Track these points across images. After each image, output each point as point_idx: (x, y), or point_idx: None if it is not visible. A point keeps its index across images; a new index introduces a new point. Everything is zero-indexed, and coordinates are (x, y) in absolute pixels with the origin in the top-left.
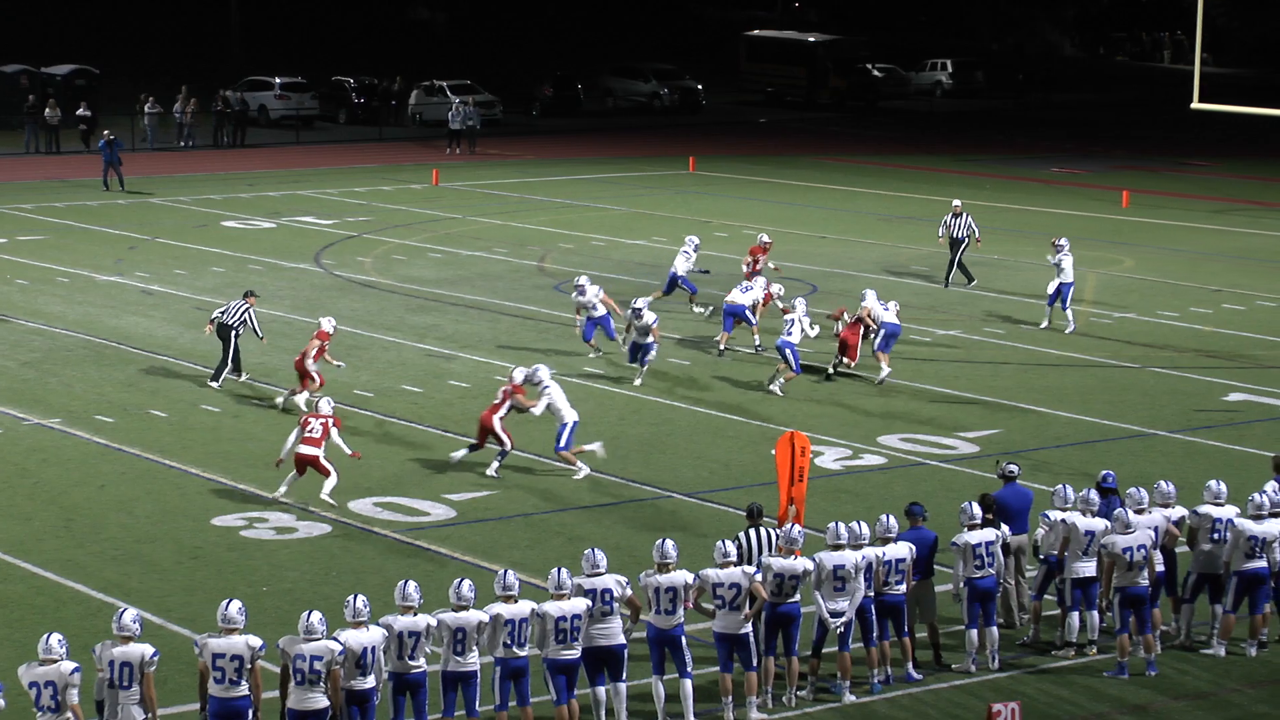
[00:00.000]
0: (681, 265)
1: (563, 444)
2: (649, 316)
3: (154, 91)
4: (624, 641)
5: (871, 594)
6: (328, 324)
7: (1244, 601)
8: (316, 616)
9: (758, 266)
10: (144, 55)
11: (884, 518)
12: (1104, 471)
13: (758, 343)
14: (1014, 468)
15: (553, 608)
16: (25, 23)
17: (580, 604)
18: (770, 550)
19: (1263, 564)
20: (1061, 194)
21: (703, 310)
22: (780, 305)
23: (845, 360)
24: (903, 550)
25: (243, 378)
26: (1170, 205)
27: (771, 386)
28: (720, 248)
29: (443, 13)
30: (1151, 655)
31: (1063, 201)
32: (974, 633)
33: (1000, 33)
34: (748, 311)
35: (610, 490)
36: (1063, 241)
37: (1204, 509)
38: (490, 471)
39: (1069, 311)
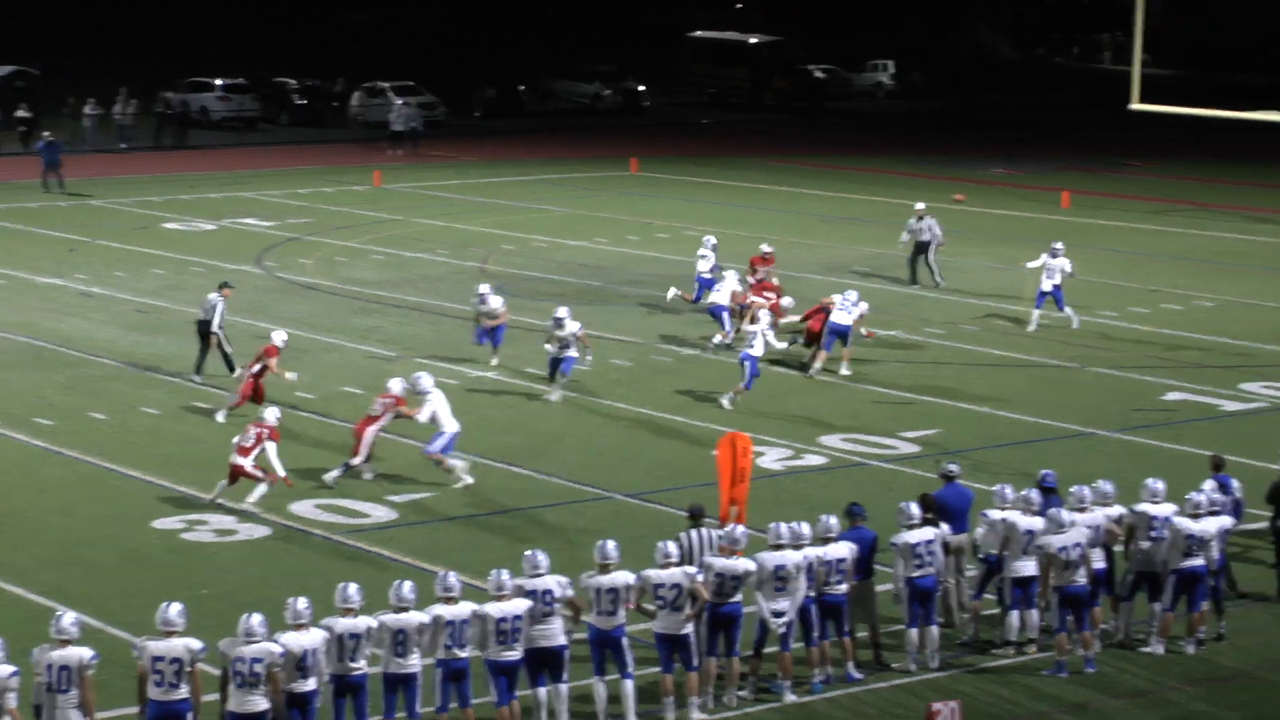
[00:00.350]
0: (703, 266)
1: (434, 447)
2: (571, 325)
3: (94, 93)
4: (565, 642)
5: (812, 594)
6: (278, 338)
7: (1182, 600)
8: (257, 619)
9: (758, 277)
10: (84, 56)
11: (824, 518)
12: (1043, 471)
13: (715, 341)
14: (954, 467)
15: (493, 609)
16: None
17: (521, 605)
18: (712, 551)
19: (1200, 562)
20: (1002, 195)
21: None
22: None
23: (814, 352)
24: (843, 550)
25: (236, 373)
26: (1109, 206)
27: (722, 400)
28: (662, 249)
29: (377, 10)
30: (1090, 653)
31: (1003, 202)
32: (914, 632)
33: (940, 35)
34: (724, 313)
35: (552, 491)
36: (1059, 245)
37: (1142, 507)
38: (328, 479)
39: (1068, 310)
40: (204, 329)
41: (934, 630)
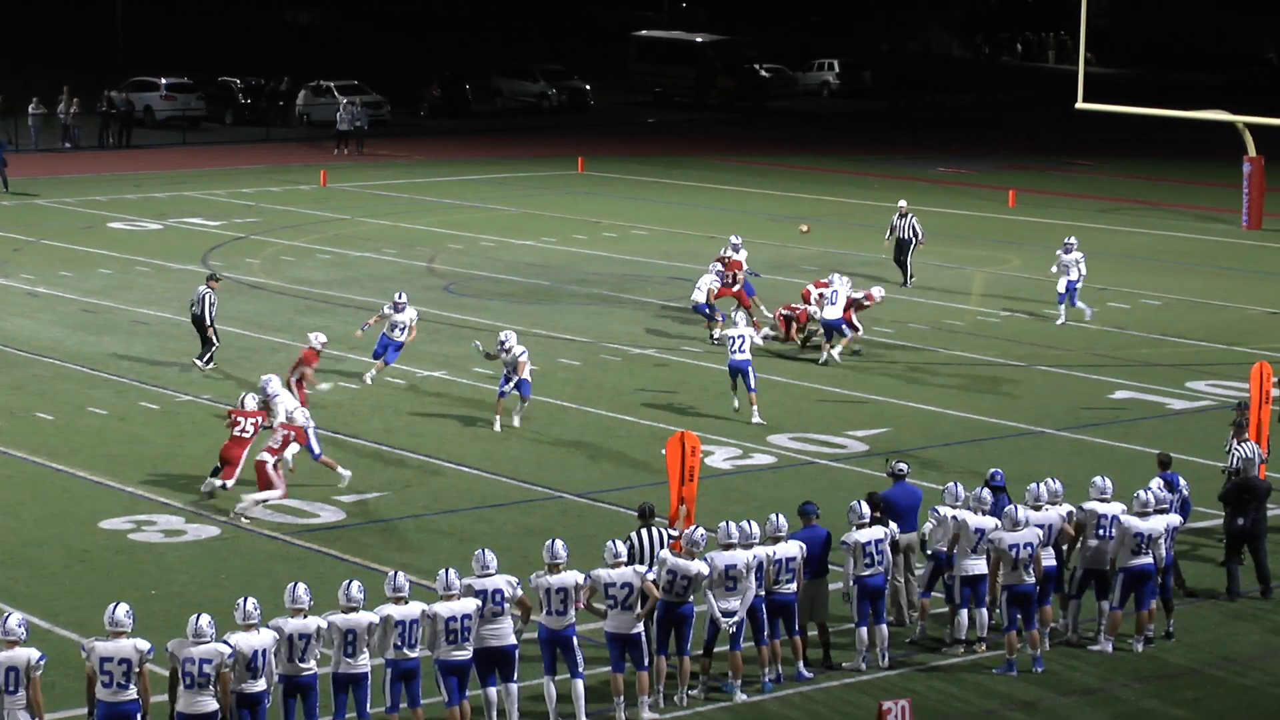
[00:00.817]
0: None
1: (318, 451)
2: (517, 350)
3: (37, 92)
4: (515, 642)
5: (762, 593)
6: (317, 340)
7: (1130, 598)
8: (205, 619)
9: (738, 280)
10: (27, 55)
11: (774, 516)
12: (992, 470)
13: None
14: (903, 466)
15: (443, 608)
16: None
17: (470, 604)
18: (663, 549)
19: (1148, 560)
20: (948, 193)
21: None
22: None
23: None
24: (793, 549)
25: (207, 366)
26: (1056, 204)
27: (754, 419)
28: (609, 248)
29: (319, 9)
30: (1038, 652)
31: (950, 201)
32: (864, 630)
33: (886, 34)
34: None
35: (500, 491)
36: (1072, 240)
37: (1090, 505)
38: (206, 487)
39: (1081, 304)
40: (198, 323)
41: (883, 629)
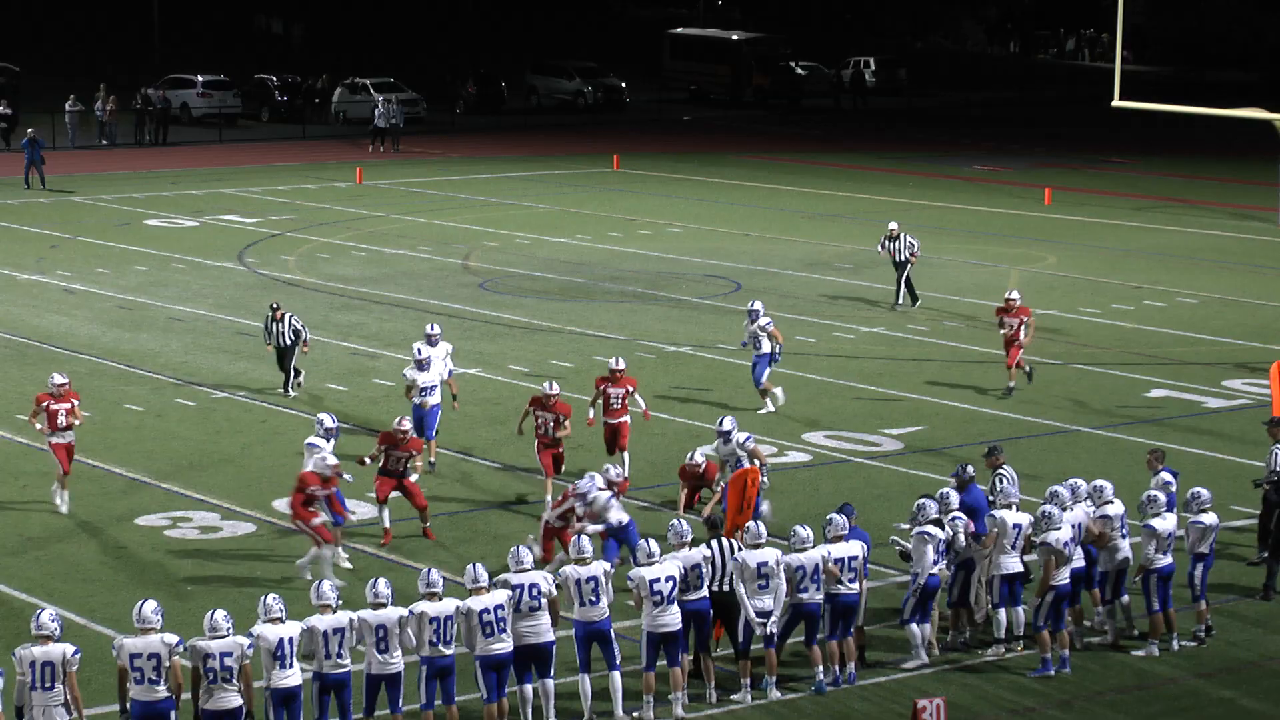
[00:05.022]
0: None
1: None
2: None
3: (75, 89)
4: (553, 638)
5: (820, 596)
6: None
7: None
8: (221, 614)
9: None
10: (65, 53)
11: (833, 516)
12: (961, 464)
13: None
14: (971, 469)
15: (475, 602)
16: None
17: (501, 595)
18: (733, 561)
19: (1170, 561)
20: (984, 191)
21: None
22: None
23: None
24: (855, 548)
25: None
26: (1091, 203)
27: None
28: (644, 245)
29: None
30: (1067, 651)
31: (985, 199)
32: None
33: (921, 31)
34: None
35: (533, 488)
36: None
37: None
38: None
39: None
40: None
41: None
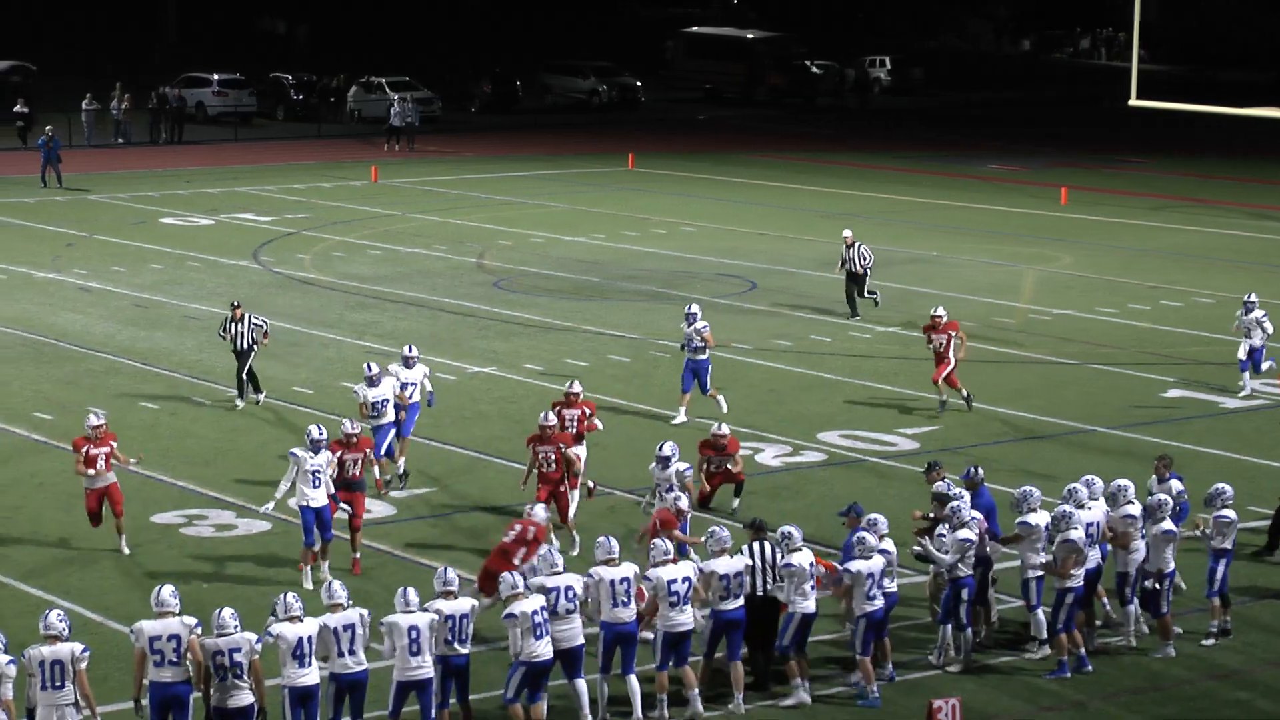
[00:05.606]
0: None
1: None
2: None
3: (91, 88)
4: (583, 641)
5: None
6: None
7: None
8: (228, 612)
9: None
10: (81, 52)
11: (876, 518)
12: (970, 466)
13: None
14: (981, 471)
15: (523, 606)
16: None
17: (538, 599)
18: (777, 563)
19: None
20: (1000, 191)
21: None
22: None
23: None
24: (889, 545)
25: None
26: (1108, 202)
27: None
28: (659, 244)
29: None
30: (1082, 651)
31: (1001, 198)
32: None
33: (933, 30)
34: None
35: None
36: (1253, 298)
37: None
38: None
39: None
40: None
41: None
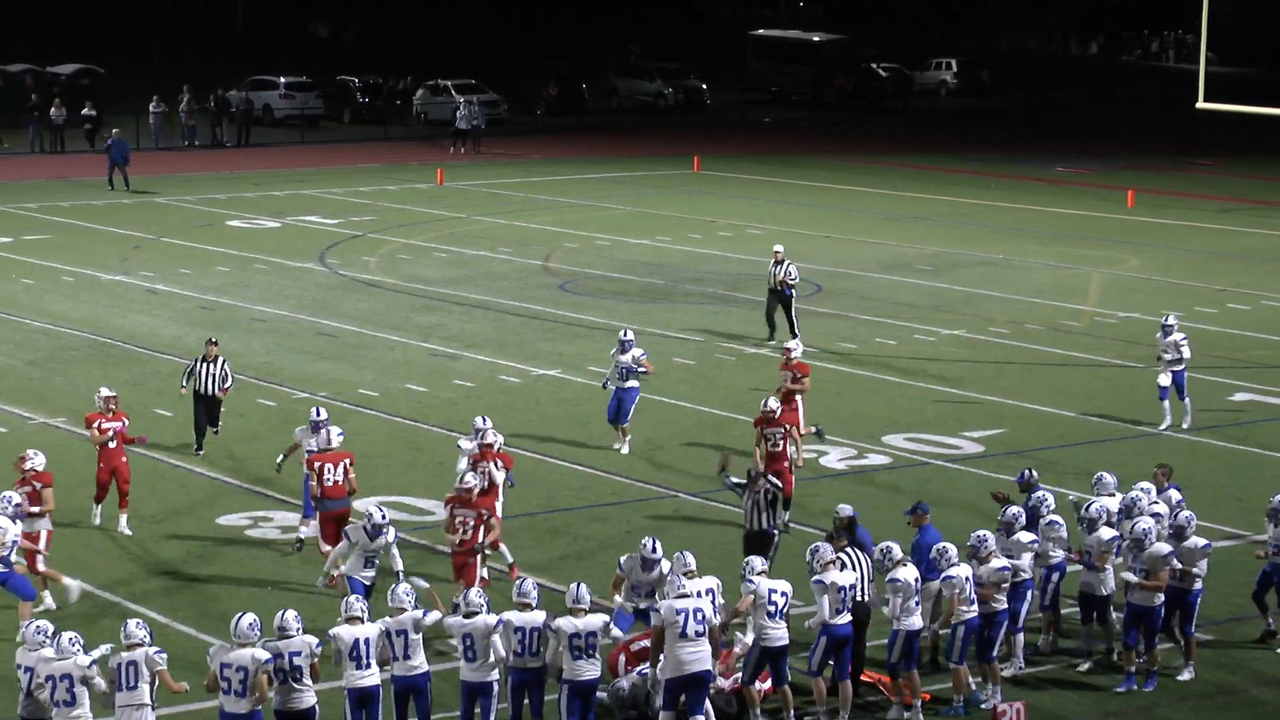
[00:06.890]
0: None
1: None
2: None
3: (159, 91)
4: (710, 666)
5: (974, 611)
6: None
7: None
8: (291, 614)
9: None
10: (149, 55)
11: (983, 534)
12: (1026, 467)
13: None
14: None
15: (566, 623)
16: (30, 22)
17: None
18: (869, 568)
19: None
20: (1066, 193)
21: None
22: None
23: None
24: (1003, 561)
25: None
26: (1175, 205)
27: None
28: (724, 247)
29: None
30: (1154, 667)
31: (1068, 201)
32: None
33: (1002, 32)
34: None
35: (614, 489)
36: (1171, 320)
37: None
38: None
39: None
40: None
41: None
